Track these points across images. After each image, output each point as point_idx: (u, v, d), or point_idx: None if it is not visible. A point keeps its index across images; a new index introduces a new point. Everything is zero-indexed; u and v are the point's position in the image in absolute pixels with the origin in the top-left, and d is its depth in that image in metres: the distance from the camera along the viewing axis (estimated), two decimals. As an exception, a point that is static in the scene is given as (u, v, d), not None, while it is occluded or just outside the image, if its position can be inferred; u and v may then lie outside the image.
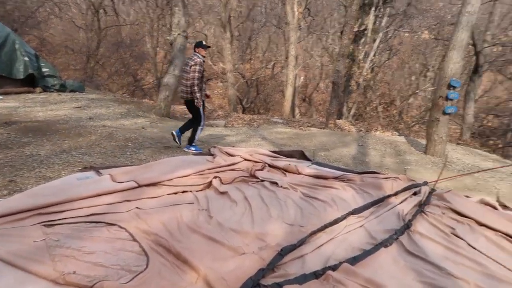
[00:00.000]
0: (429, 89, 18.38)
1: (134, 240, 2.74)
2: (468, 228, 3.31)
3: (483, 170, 5.30)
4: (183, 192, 3.80)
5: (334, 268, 2.47)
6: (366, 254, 2.70)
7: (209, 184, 4.04)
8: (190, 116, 5.71)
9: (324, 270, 2.44)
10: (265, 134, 7.31)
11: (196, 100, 5.43)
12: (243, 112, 19.09)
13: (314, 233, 2.99)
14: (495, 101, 22.56)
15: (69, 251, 2.51)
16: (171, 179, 4.01)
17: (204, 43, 5.63)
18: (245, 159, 5.11)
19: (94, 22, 17.88)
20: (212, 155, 5.30)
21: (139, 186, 3.72)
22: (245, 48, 25.33)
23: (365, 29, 15.05)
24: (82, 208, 3.16)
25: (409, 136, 9.48)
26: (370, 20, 15.13)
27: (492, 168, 5.46)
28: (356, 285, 2.33)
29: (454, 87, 5.78)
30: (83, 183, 3.71)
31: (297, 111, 17.90)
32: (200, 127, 5.63)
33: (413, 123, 19.27)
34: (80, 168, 4.12)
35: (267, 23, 24.66)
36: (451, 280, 2.48)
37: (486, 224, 3.35)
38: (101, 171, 4.13)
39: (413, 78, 20.85)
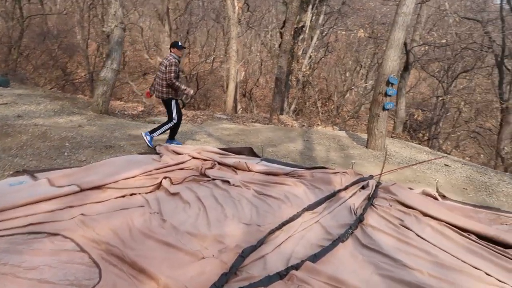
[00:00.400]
0: (363, 85, 19.30)
1: (82, 250, 2.52)
2: (415, 219, 3.48)
3: (420, 162, 5.64)
4: (131, 194, 3.58)
5: (297, 267, 2.46)
6: (325, 250, 2.72)
7: (159, 185, 3.85)
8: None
9: (287, 270, 2.41)
10: (210, 131, 7.17)
11: (185, 93, 5.58)
12: (183, 108, 18.65)
13: (272, 232, 2.96)
14: (419, 97, 24.27)
15: (7, 268, 2.24)
16: (117, 181, 3.76)
17: (180, 43, 5.62)
18: (193, 157, 4.95)
19: (16, 10, 16.35)
20: (158, 154, 5.08)
21: (82, 190, 3.44)
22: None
23: (303, 26, 15.36)
24: (18, 217, 2.84)
25: (345, 130, 9.86)
26: (307, 17, 15.46)
27: (428, 160, 5.84)
28: (320, 283, 2.34)
29: (392, 84, 6.08)
30: (16, 189, 3.35)
31: (238, 106, 17.86)
32: (170, 124, 5.63)
33: (349, 118, 20.13)
34: (11, 172, 3.72)
35: (206, 17, 24.28)
36: (406, 271, 2.58)
37: (429, 214, 3.54)
38: (36, 174, 3.76)
39: (347, 74, 21.75)
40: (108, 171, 3.99)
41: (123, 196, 3.51)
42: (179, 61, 5.55)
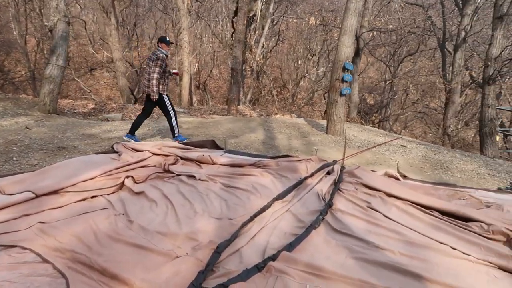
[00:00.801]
0: (316, 72, 19.64)
1: (45, 261, 2.34)
2: (380, 200, 3.57)
3: (378, 145, 5.82)
4: (93, 197, 3.39)
5: (273, 258, 2.44)
6: (299, 238, 2.72)
7: (122, 185, 3.68)
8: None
9: (265, 262, 2.38)
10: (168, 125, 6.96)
11: (152, 94, 5.41)
12: (135, 103, 18.06)
13: (245, 224, 2.92)
14: (368, 81, 25.12)
15: (-39, 288, 2.04)
16: (75, 184, 3.55)
17: (168, 39, 5.49)
18: (154, 154, 4.79)
19: None
20: (116, 152, 4.85)
21: (37, 196, 3.21)
22: (130, 35, 23.84)
23: (254, 15, 15.31)
24: (-33, 231, 2.60)
25: (303, 117, 9.99)
26: (258, 6, 15.42)
27: (386, 142, 6.03)
28: (298, 272, 2.33)
29: (348, 70, 6.20)
30: (-38, 200, 3.06)
31: (194, 99, 17.55)
32: (172, 118, 5.62)
33: (304, 105, 20.45)
34: (-47, 182, 3.39)
35: (153, 9, 23.51)
36: (379, 252, 2.64)
37: (394, 194, 3.65)
38: (-17, 183, 3.46)
39: (299, 62, 22.03)
40: (65, 174, 3.75)
41: (84, 200, 3.31)
42: (167, 56, 5.48)
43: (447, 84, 12.80)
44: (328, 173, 4.27)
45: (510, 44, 10.33)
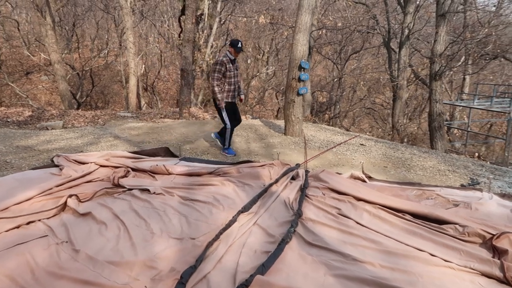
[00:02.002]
0: (266, 71, 19.56)
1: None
2: (350, 206, 3.40)
3: (338, 144, 5.71)
4: (29, 223, 2.91)
5: (246, 284, 2.15)
6: (273, 257, 2.46)
7: (64, 206, 3.21)
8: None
9: (238, 291, 2.10)
10: (116, 132, 6.44)
11: (217, 101, 5.05)
12: (78, 108, 16.97)
13: (210, 244, 2.61)
14: (317, 79, 25.53)
15: None
16: (7, 208, 3.05)
17: (240, 45, 4.99)
18: (101, 166, 4.33)
19: None
20: (57, 166, 4.32)
21: (-41, 226, 2.69)
22: (70, 36, 22.44)
23: (201, 14, 14.91)
24: None
25: (259, 118, 9.79)
26: (205, 5, 15.04)
27: (345, 141, 5.94)
28: (276, 299, 2.07)
29: (304, 69, 6.04)
30: None
31: (142, 102, 16.77)
32: (227, 129, 5.13)
33: (255, 104, 20.31)
34: None
35: (93, 8, 22.28)
36: (358, 266, 2.44)
37: (363, 198, 3.49)
38: None
39: (248, 61, 21.85)
40: (-6, 196, 3.22)
41: (18, 227, 2.84)
42: (232, 61, 5.01)
43: (395, 80, 13.17)
44: (293, 178, 4.05)
45: (452, 41, 10.79)
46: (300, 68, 6.02)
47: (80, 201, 3.33)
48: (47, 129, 6.93)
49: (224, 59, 4.94)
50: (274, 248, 2.59)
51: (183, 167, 4.33)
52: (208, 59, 15.60)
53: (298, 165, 4.40)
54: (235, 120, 5.28)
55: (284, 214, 3.23)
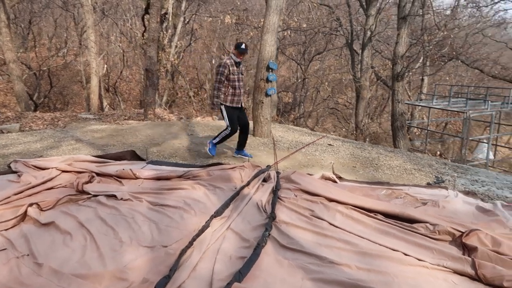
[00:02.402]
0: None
1: None
2: (323, 207, 3.40)
3: (307, 145, 5.75)
4: (-15, 235, 2.70)
5: (224, 293, 2.09)
6: (249, 263, 2.40)
7: (24, 216, 3.00)
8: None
9: (215, 300, 2.03)
10: (78, 135, 6.17)
11: (208, 103, 4.58)
12: (35, 110, 16.18)
13: (183, 252, 2.52)
14: (281, 80, 25.75)
15: None
16: (-41, 220, 2.82)
17: (243, 46, 4.73)
18: (64, 171, 4.12)
19: None
20: (15, 172, 4.07)
21: None
22: (26, 34, 21.36)
23: (166, 13, 14.63)
24: None
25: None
26: (169, 4, 14.76)
27: (313, 142, 5.99)
28: (254, 306, 2.02)
29: (272, 69, 6.03)
30: None
31: (104, 103, 16.21)
32: (226, 130, 4.91)
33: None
34: None
35: (51, 5, 21.30)
36: (335, 269, 2.43)
37: (335, 199, 3.51)
38: None
39: (213, 61, 21.70)
40: None
41: (-28, 240, 2.62)
42: (237, 64, 4.78)
43: (358, 81, 13.47)
44: (265, 180, 4.01)
45: (412, 43, 11.17)
46: (268, 68, 6.00)
47: (41, 209, 3.13)
48: (3, 132, 6.53)
49: (228, 61, 4.74)
50: (250, 253, 2.54)
51: (151, 171, 4.19)
52: (172, 59, 15.34)
53: (269, 167, 4.38)
54: (241, 126, 5.04)
55: (257, 218, 3.18)
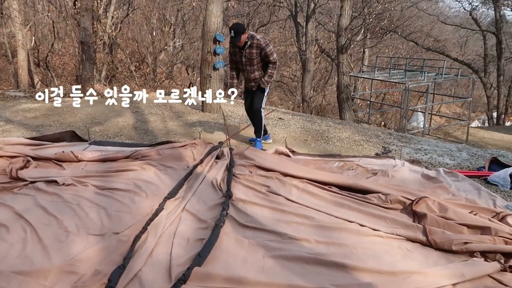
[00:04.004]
0: (175, 44, 18.73)
1: None
2: (278, 182, 3.37)
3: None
4: None
5: (184, 279, 1.99)
6: (208, 246, 2.32)
7: (-52, 209, 2.66)
8: None
9: (176, 287, 1.93)
10: (7, 115, 5.61)
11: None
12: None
13: (137, 238, 2.37)
14: (226, 53, 25.31)
15: None
16: None
17: (231, 34, 4.19)
18: (-7, 156, 3.71)
19: None
20: None
21: None
22: None
23: (99, -20, 13.61)
24: None
25: (167, 92, 9.34)
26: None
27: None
28: (218, 290, 1.95)
29: (220, 42, 5.82)
30: None
31: (36, 79, 14.90)
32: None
33: (164, 79, 19.43)
34: None
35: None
36: (294, 244, 2.42)
37: (289, 173, 3.50)
38: None
39: (154, 33, 20.69)
40: None
41: None
42: (240, 48, 4.32)
43: (303, 53, 13.54)
44: (218, 157, 3.90)
45: (357, 15, 11.35)
46: (215, 41, 5.78)
47: (-30, 201, 2.80)
48: None
49: (231, 49, 4.45)
50: (208, 235, 2.46)
51: (95, 153, 3.91)
52: (109, 30, 14.39)
53: (221, 143, 4.25)
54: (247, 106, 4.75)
55: (213, 197, 3.09)
